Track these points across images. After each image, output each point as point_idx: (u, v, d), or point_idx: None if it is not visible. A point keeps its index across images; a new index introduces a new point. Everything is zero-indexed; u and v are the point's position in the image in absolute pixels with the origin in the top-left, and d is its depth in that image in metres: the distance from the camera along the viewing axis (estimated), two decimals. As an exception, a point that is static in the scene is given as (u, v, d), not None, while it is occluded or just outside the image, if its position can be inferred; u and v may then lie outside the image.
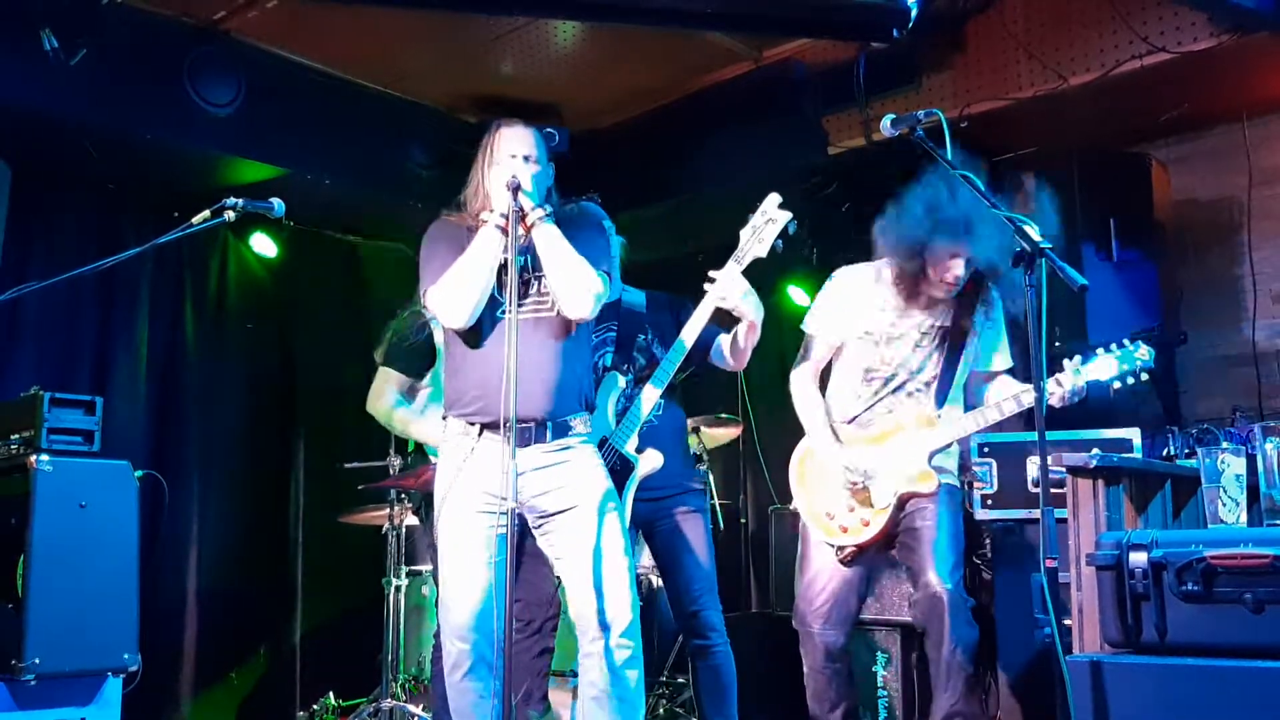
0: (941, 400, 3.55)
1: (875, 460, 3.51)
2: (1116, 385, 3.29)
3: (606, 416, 3.53)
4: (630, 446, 3.51)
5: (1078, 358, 3.32)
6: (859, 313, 3.61)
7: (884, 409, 3.58)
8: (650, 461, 3.51)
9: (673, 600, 3.71)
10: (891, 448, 3.51)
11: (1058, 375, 3.33)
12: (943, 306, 3.57)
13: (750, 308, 3.42)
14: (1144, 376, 3.28)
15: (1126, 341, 3.27)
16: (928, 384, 3.56)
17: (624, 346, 3.74)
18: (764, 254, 3.43)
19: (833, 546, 3.57)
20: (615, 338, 3.74)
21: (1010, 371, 3.64)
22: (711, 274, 3.44)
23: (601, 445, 3.50)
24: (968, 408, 3.60)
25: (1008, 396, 3.44)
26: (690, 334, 3.48)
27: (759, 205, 3.47)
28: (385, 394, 3.94)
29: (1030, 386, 3.37)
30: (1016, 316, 3.62)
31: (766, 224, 3.43)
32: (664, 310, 3.80)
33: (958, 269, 3.41)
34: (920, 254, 3.43)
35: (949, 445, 3.53)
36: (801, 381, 3.70)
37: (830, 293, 3.69)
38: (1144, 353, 3.27)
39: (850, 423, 3.63)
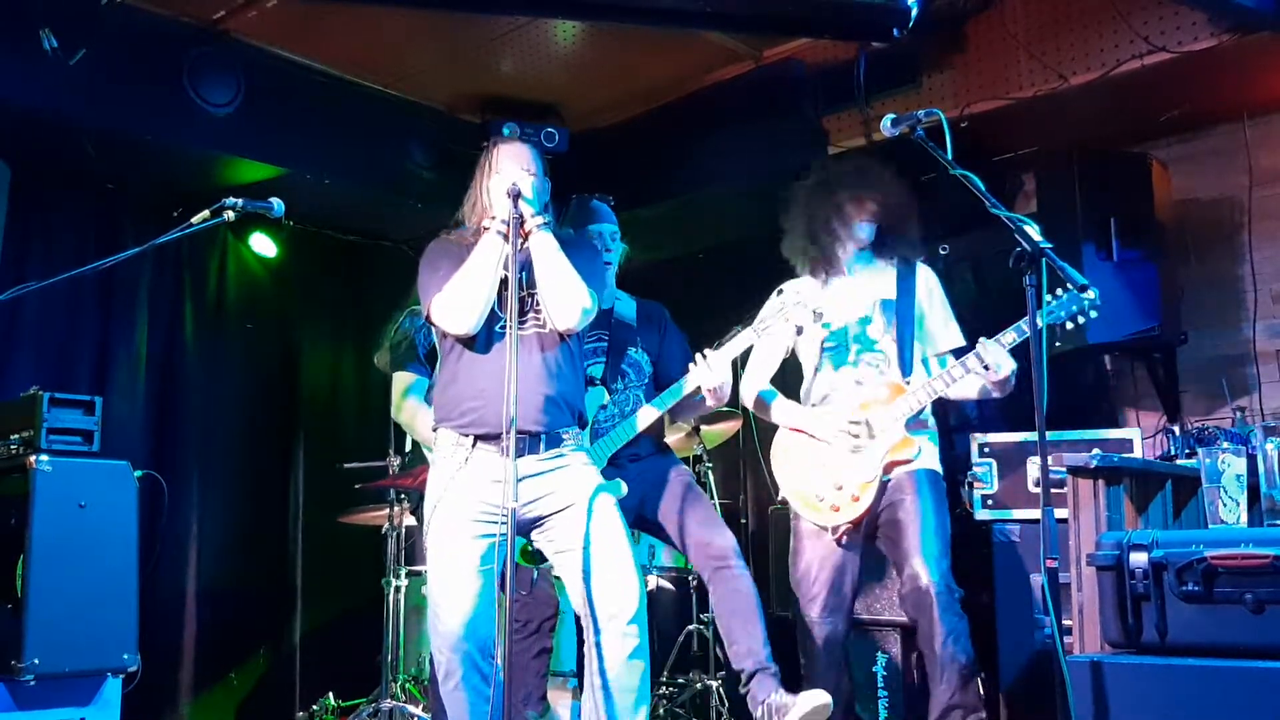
0: (907, 370, 3.62)
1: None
2: (1069, 325, 3.35)
3: (585, 432, 3.55)
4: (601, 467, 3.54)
5: (1010, 332, 3.42)
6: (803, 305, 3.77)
7: (850, 381, 3.66)
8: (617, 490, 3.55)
9: (687, 540, 3.66)
10: (868, 419, 3.56)
11: (1009, 330, 3.44)
12: (883, 279, 3.72)
13: (724, 394, 3.56)
14: (1093, 314, 3.31)
15: (1070, 286, 3.30)
16: (887, 357, 3.67)
17: (614, 359, 3.75)
18: (785, 333, 3.56)
19: (826, 529, 3.60)
20: (606, 348, 3.76)
21: (961, 351, 3.68)
22: (706, 353, 3.50)
23: None
24: None
25: (967, 356, 3.50)
26: (691, 383, 3.54)
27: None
28: (410, 401, 3.95)
29: (982, 350, 3.43)
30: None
31: (796, 305, 3.49)
32: (652, 325, 3.85)
33: (863, 215, 3.71)
34: (830, 226, 3.73)
35: (923, 409, 3.59)
36: (750, 386, 3.81)
37: (774, 299, 3.82)
38: (1090, 293, 3.27)
39: (821, 404, 3.70)
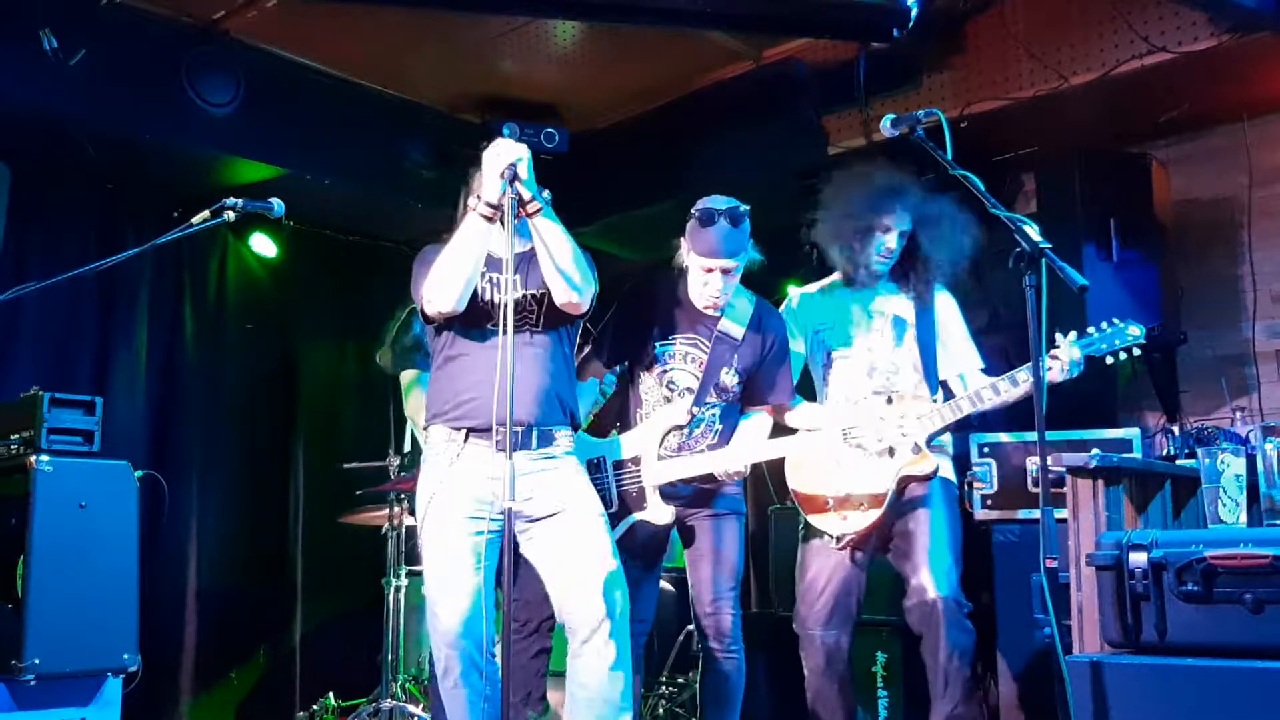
0: (933, 388, 3.59)
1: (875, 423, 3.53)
2: (1109, 360, 3.34)
3: (652, 441, 3.53)
4: (656, 486, 3.51)
5: (1073, 333, 3.37)
6: (818, 315, 3.79)
7: (869, 392, 3.65)
8: (661, 516, 3.50)
9: (693, 601, 3.67)
10: (881, 434, 3.52)
11: (1054, 351, 3.39)
12: (899, 300, 3.71)
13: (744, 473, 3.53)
14: (1136, 351, 3.32)
15: (1117, 320, 3.33)
16: (899, 370, 3.66)
17: (707, 378, 3.56)
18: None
19: (833, 537, 3.59)
20: (705, 361, 3.56)
21: (984, 372, 3.69)
22: (732, 453, 3.47)
23: (635, 464, 3.52)
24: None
25: (1001, 377, 3.47)
26: (707, 466, 3.50)
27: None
28: (416, 393, 3.95)
29: (1022, 369, 3.41)
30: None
31: (894, 435, 3.44)
32: (758, 340, 3.60)
33: (890, 241, 3.63)
34: (858, 231, 3.66)
35: (945, 429, 3.55)
36: None
37: (789, 311, 3.85)
38: (1135, 330, 3.32)
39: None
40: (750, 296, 3.63)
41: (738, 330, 3.58)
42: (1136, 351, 3.34)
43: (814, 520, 3.63)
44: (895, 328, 3.68)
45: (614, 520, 3.50)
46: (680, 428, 3.54)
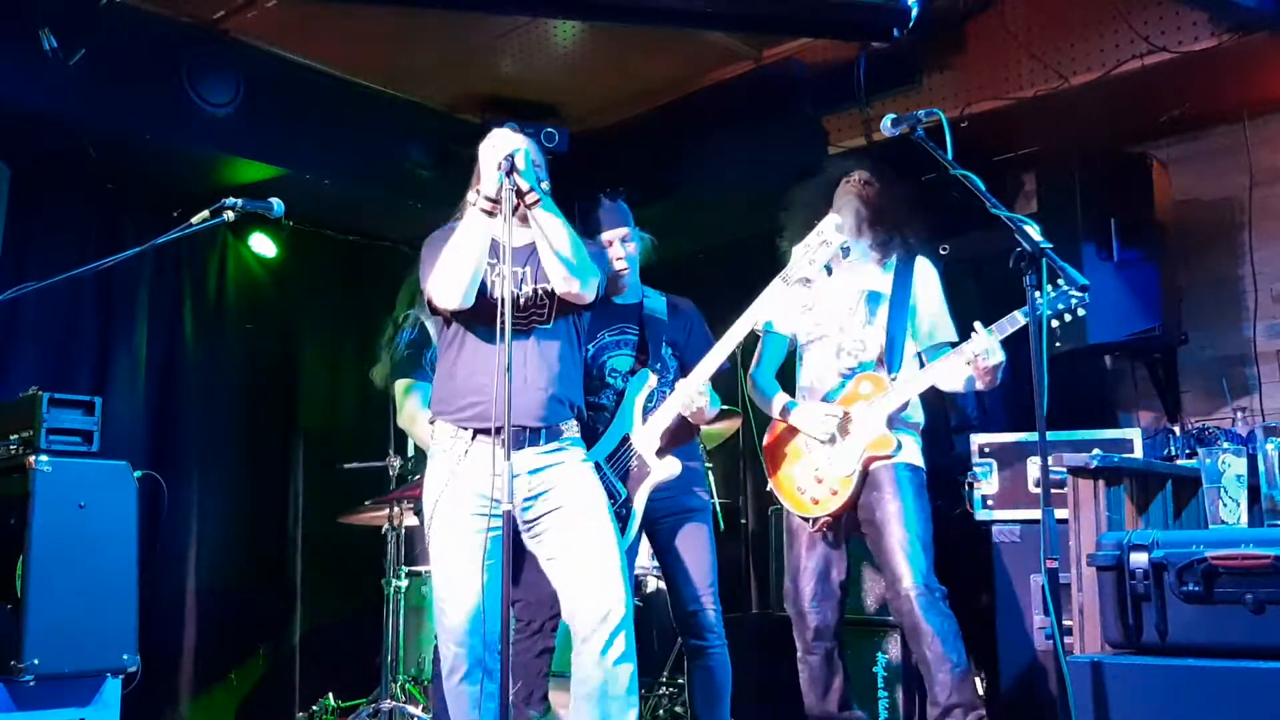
0: (895, 366, 3.64)
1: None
2: (1055, 322, 3.30)
3: (632, 414, 3.55)
4: (652, 449, 3.53)
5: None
6: (797, 302, 3.80)
7: (833, 373, 3.70)
8: (668, 469, 3.52)
9: (671, 600, 3.71)
10: (848, 412, 3.59)
11: (998, 323, 3.42)
12: (873, 273, 3.74)
13: (704, 416, 3.56)
14: (1081, 311, 3.26)
15: (1061, 282, 3.24)
16: (865, 347, 3.68)
17: (654, 347, 3.71)
18: (814, 276, 3.46)
19: (808, 521, 3.65)
20: (636, 342, 3.72)
21: (953, 346, 3.68)
22: (687, 380, 3.51)
23: (624, 444, 3.54)
24: None
25: (952, 353, 3.51)
26: (671, 411, 3.53)
27: (816, 224, 3.48)
28: (410, 403, 3.94)
29: (973, 339, 3.43)
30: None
31: (821, 245, 3.42)
32: (680, 320, 3.80)
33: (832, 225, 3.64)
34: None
35: (905, 405, 3.60)
36: (756, 380, 3.85)
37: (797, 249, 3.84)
38: (1080, 290, 3.26)
39: (808, 394, 3.75)
40: (659, 292, 3.84)
41: (660, 312, 3.77)
42: (1082, 311, 3.26)
43: (789, 504, 3.71)
44: (869, 304, 3.72)
45: (629, 502, 3.54)
46: (651, 391, 3.61)
